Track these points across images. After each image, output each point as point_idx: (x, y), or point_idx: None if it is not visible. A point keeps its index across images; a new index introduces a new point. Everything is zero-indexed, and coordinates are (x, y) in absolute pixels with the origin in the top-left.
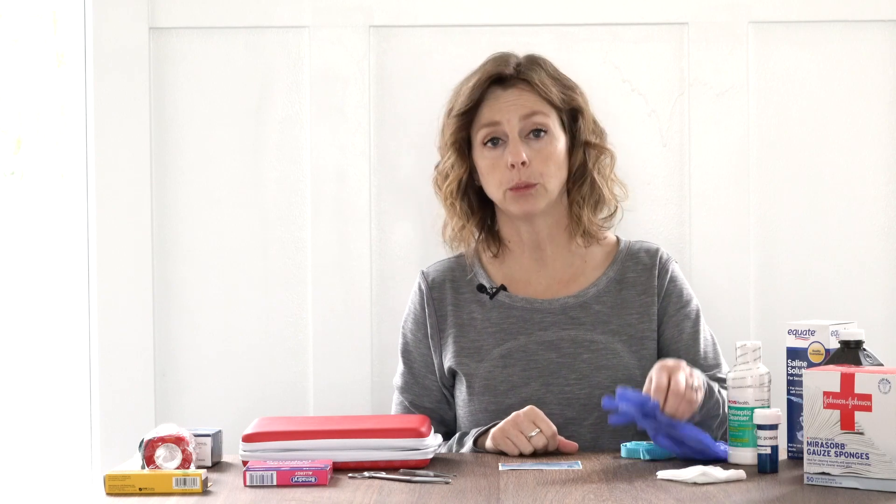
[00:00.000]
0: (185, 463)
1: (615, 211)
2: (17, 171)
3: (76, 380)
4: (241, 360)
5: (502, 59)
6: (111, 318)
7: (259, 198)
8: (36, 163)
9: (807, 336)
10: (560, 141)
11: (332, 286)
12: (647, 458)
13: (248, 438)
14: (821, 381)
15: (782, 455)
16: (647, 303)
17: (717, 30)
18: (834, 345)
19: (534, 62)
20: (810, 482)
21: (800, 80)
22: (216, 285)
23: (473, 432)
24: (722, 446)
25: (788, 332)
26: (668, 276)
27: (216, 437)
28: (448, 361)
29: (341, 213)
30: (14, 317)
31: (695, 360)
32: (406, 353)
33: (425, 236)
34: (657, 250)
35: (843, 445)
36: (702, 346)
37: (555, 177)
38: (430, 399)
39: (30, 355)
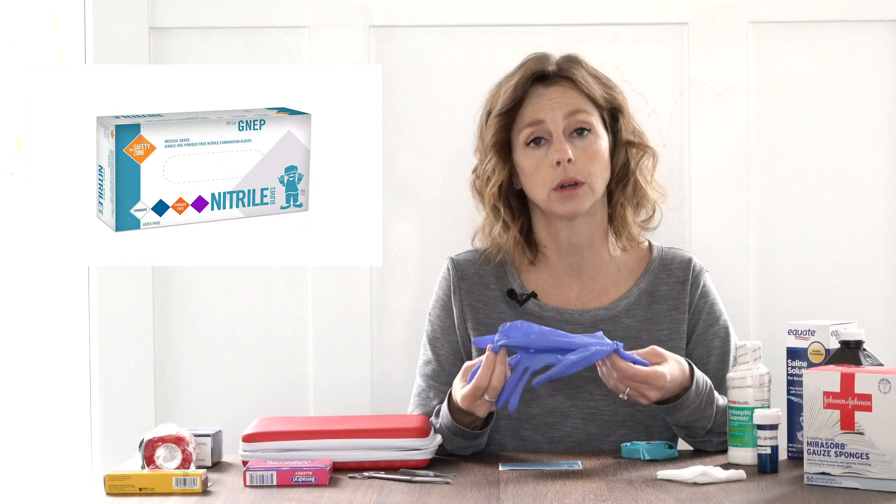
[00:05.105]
0: (185, 463)
1: (654, 213)
2: (17, 171)
3: (76, 380)
4: (241, 360)
5: (542, 57)
6: (111, 318)
7: None
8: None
9: (807, 336)
10: (603, 140)
11: (332, 286)
12: (647, 457)
13: (248, 438)
14: (821, 381)
15: (782, 455)
16: (678, 319)
17: (717, 30)
18: (834, 345)
19: (574, 60)
20: (810, 482)
21: (800, 80)
22: (216, 285)
23: (445, 409)
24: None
25: (788, 332)
26: (699, 290)
27: (216, 437)
28: (473, 357)
29: None
30: (14, 316)
31: (721, 383)
32: (433, 341)
33: (425, 236)
34: (690, 261)
35: (843, 445)
36: (730, 367)
37: (601, 176)
38: None
39: (30, 355)
